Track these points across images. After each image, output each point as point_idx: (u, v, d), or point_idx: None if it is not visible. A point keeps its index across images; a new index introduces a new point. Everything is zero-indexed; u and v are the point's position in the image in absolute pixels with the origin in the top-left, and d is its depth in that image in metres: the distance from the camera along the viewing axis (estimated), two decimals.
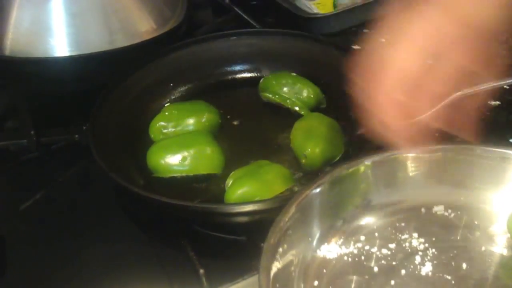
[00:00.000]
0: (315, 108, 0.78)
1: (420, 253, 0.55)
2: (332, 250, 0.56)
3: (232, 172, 0.68)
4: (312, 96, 0.78)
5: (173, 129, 0.74)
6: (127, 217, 0.73)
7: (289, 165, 0.70)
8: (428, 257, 0.55)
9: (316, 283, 0.53)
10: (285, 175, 0.67)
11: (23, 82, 0.83)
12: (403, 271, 0.54)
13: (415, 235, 0.57)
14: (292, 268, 0.53)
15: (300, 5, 1.01)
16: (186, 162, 0.69)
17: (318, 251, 0.55)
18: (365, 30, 1.01)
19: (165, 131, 0.74)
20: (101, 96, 0.75)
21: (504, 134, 0.78)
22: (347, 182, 0.57)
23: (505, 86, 0.84)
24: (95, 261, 0.66)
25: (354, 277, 0.54)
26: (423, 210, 0.59)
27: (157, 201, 0.61)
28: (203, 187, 0.70)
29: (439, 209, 0.59)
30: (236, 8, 1.03)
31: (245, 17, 1.03)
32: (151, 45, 0.83)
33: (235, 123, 0.79)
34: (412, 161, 0.59)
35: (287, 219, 0.53)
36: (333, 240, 0.56)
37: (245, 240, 0.66)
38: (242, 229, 0.66)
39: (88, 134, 0.69)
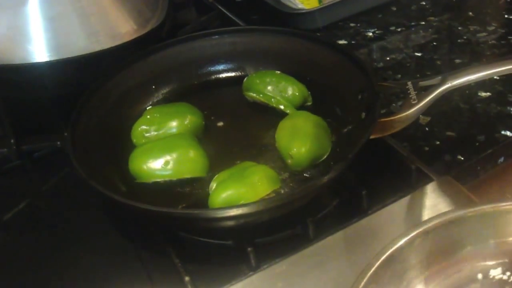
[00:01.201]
0: (301, 106, 0.77)
1: None
2: None
3: (216, 175, 0.66)
4: (297, 93, 0.76)
5: (155, 133, 0.73)
6: (111, 224, 0.71)
7: (275, 166, 0.69)
8: None
9: None
10: (271, 177, 0.65)
11: (1, 90, 0.81)
12: None
13: None
14: None
15: (284, 1, 0.99)
16: (169, 167, 0.67)
17: None
18: (351, 24, 1.00)
19: (147, 135, 0.73)
20: (80, 101, 0.73)
21: (495, 125, 0.76)
22: (397, 260, 0.52)
23: (495, 77, 0.83)
24: (80, 270, 0.65)
25: None
26: (479, 276, 0.55)
27: (139, 208, 0.60)
28: (188, 192, 0.68)
29: (496, 273, 0.55)
30: (220, 6, 1.02)
31: (229, 15, 1.02)
32: (132, 47, 0.81)
33: (219, 124, 0.78)
34: (463, 225, 0.54)
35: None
36: None
37: (232, 244, 0.64)
38: (228, 233, 0.64)
39: (67, 140, 0.68)
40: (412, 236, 0.52)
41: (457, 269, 0.55)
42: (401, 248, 0.52)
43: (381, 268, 0.51)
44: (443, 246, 0.54)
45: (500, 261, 0.54)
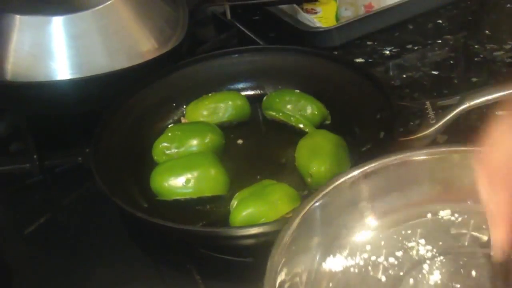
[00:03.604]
0: (319, 125, 0.77)
1: (428, 261, 0.54)
2: (337, 262, 0.55)
3: (237, 193, 0.67)
4: (316, 112, 0.77)
5: (176, 150, 0.73)
6: (132, 240, 0.72)
7: (295, 184, 0.69)
8: (436, 265, 0.54)
9: None
10: (291, 195, 0.66)
11: (25, 106, 0.82)
12: (411, 281, 0.53)
13: (422, 242, 0.56)
14: (298, 284, 0.52)
15: (302, 19, 1.00)
16: (190, 185, 0.68)
17: (323, 264, 0.54)
18: (368, 43, 1.01)
19: (168, 152, 0.73)
20: (103, 118, 0.74)
21: None
22: (348, 192, 0.56)
23: None
24: (99, 285, 0.66)
25: None
26: (429, 215, 0.57)
27: (160, 225, 0.61)
28: (208, 209, 0.69)
29: (445, 214, 0.57)
30: (238, 24, 1.03)
31: (247, 32, 1.02)
32: (154, 65, 0.82)
33: (239, 142, 0.78)
34: (415, 166, 0.58)
35: (289, 235, 0.52)
36: (338, 252, 0.55)
37: (252, 262, 0.64)
38: (249, 250, 0.65)
39: (90, 157, 0.69)
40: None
41: (406, 208, 0.57)
42: (348, 185, 0.56)
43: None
44: (392, 184, 0.57)
45: (450, 203, 0.57)
